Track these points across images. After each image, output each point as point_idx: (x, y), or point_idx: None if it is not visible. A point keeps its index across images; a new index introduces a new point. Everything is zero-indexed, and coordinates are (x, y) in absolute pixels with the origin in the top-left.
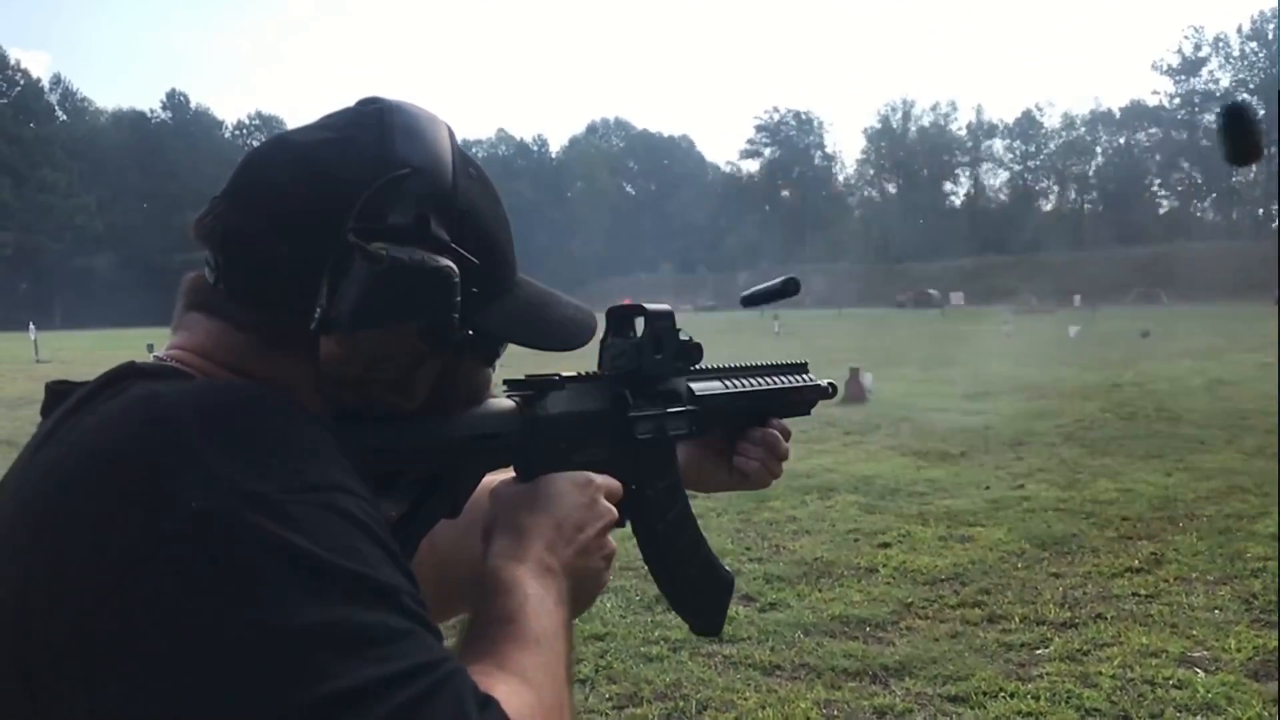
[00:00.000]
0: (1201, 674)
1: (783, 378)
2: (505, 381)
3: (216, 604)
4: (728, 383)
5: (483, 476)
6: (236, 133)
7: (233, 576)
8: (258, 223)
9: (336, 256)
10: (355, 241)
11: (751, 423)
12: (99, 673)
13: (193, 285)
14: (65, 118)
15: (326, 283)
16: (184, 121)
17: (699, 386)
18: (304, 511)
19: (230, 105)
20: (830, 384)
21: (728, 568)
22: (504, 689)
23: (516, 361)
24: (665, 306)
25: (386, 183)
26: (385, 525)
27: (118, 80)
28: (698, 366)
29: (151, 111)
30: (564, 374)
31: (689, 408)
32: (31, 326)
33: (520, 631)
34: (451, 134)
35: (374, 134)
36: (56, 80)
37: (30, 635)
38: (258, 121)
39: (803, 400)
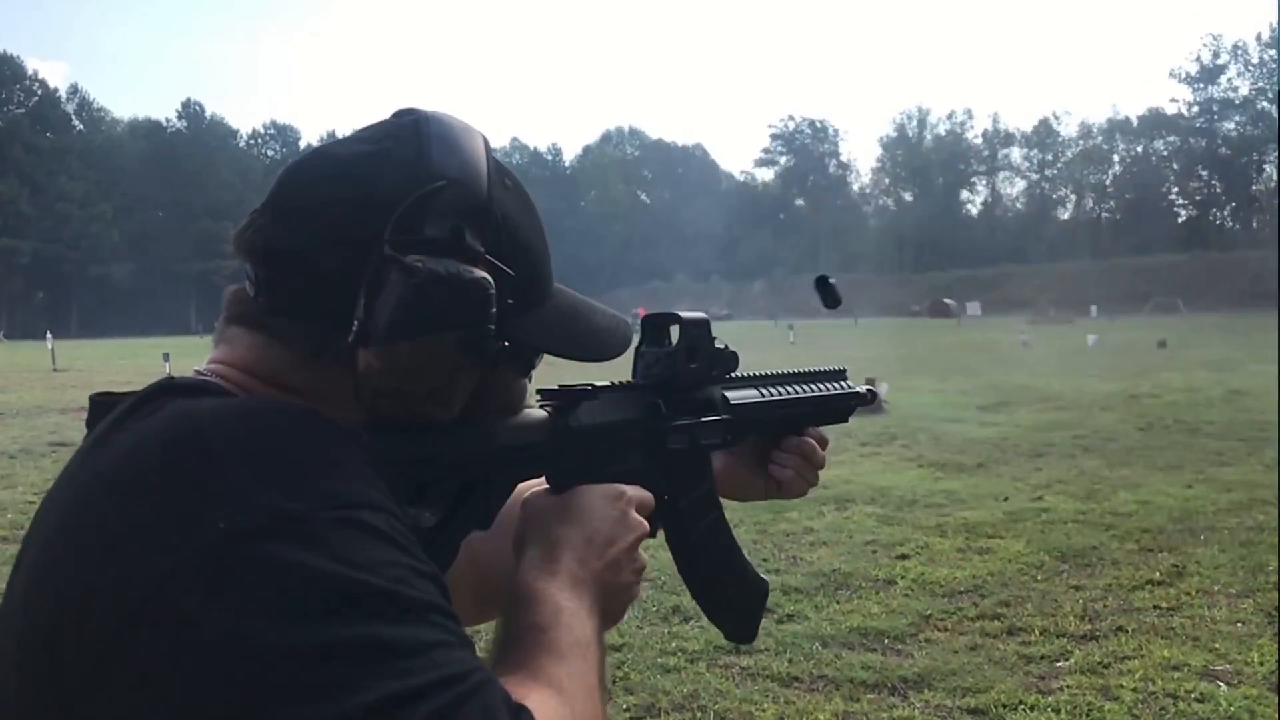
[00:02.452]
0: (1224, 687)
1: (820, 385)
2: (539, 391)
3: (242, 624)
4: (764, 391)
5: (514, 487)
6: (251, 142)
7: (258, 597)
8: (297, 236)
9: (373, 269)
10: (391, 254)
11: (788, 431)
12: (129, 692)
13: (234, 298)
14: (82, 127)
15: (364, 295)
16: (199, 131)
17: (734, 395)
18: (331, 530)
19: (245, 114)
20: (869, 390)
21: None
22: (537, 698)
23: (554, 370)
24: (701, 314)
25: (422, 195)
26: (414, 538)
27: (134, 90)
28: (734, 374)
29: (167, 121)
30: (597, 384)
31: (724, 417)
32: (49, 335)
33: (553, 641)
34: (487, 144)
35: (411, 146)
36: (73, 90)
37: (64, 652)
38: (273, 131)
39: (840, 408)
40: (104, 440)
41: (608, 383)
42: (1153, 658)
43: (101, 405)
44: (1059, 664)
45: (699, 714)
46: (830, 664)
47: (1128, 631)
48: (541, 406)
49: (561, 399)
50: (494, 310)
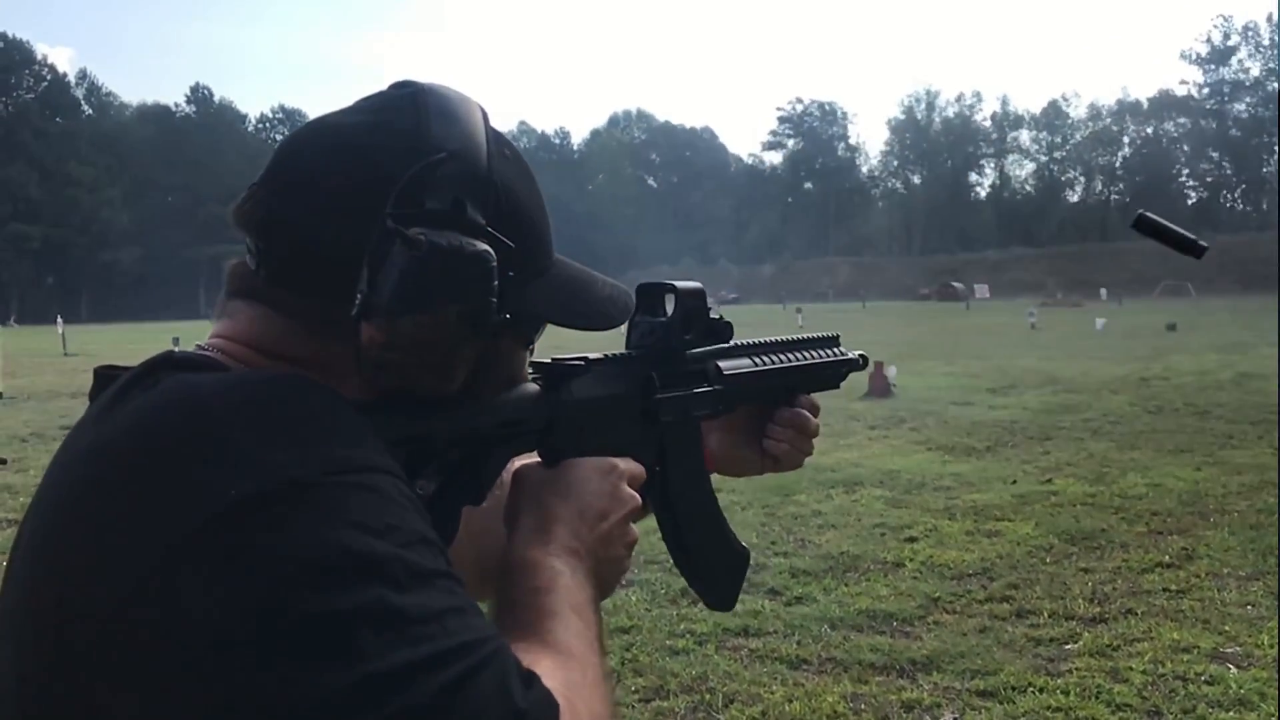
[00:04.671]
0: (1234, 669)
1: (813, 352)
2: (531, 364)
3: (255, 591)
4: (756, 359)
5: (507, 462)
6: (260, 126)
7: (272, 564)
8: (296, 207)
9: (376, 242)
10: (394, 227)
11: (781, 398)
12: (140, 661)
13: (235, 271)
14: (91, 112)
15: (366, 269)
16: (208, 115)
17: (727, 365)
18: (343, 494)
19: (254, 99)
20: (861, 355)
21: (745, 544)
22: (547, 663)
23: (553, 339)
24: (696, 284)
25: (423, 168)
26: (421, 505)
27: (142, 75)
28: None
29: (176, 105)
30: (590, 356)
31: (716, 387)
32: (59, 320)
33: (554, 606)
34: (485, 115)
35: (410, 117)
36: (82, 75)
37: (70, 625)
38: (281, 115)
39: (833, 374)
40: (104, 414)
41: (600, 355)
42: (1162, 640)
43: (105, 378)
44: (1068, 646)
45: (707, 696)
46: (839, 646)
47: (1137, 614)
48: (533, 380)
49: (553, 373)
50: (496, 283)
